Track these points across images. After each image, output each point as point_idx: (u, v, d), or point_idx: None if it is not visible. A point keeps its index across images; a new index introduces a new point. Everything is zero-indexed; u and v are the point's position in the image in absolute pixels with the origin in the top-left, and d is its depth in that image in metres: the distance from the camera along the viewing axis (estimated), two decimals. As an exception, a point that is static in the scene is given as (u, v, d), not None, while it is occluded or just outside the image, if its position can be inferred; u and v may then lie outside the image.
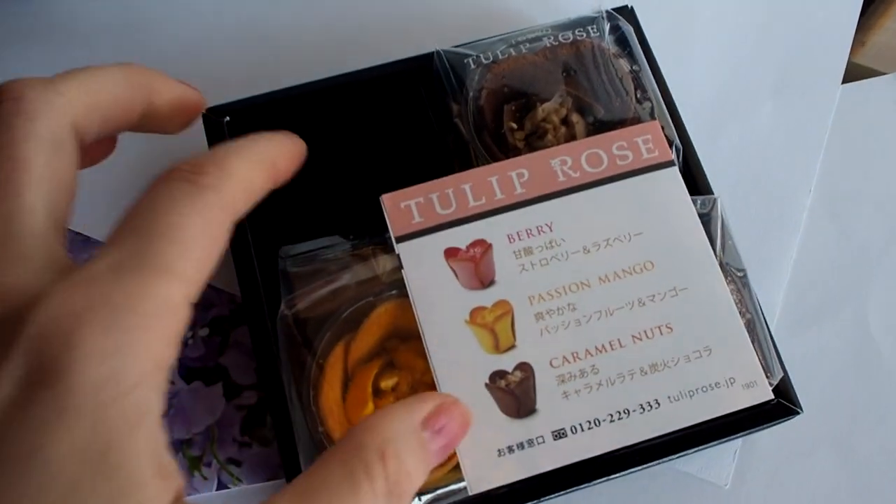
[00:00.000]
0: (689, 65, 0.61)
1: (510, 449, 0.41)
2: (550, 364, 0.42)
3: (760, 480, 0.51)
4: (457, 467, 0.43)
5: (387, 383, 0.44)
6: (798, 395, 0.48)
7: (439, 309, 0.43)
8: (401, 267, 0.44)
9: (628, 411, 0.42)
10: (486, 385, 0.42)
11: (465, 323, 0.43)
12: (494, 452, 0.41)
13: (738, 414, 0.46)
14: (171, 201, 0.28)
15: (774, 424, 0.47)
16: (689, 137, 0.51)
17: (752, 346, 0.43)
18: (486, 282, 0.44)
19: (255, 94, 0.54)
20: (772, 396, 0.43)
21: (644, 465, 0.46)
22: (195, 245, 0.27)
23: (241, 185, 0.31)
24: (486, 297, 0.43)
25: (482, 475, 0.41)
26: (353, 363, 0.45)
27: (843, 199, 0.58)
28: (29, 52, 0.60)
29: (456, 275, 0.43)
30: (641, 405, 0.42)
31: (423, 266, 0.44)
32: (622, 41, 0.52)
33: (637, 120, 0.49)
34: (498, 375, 0.42)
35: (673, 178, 0.46)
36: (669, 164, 0.46)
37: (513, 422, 0.42)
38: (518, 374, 0.42)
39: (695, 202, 0.47)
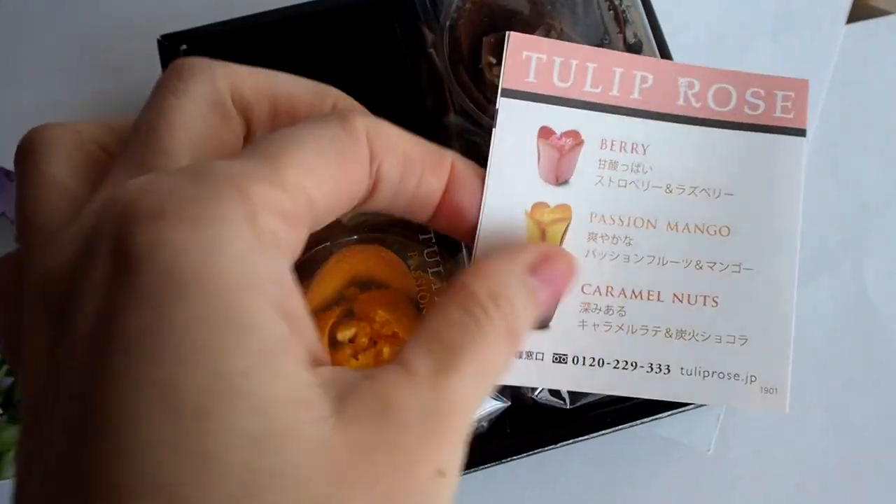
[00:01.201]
0: (684, 2, 0.57)
1: None
2: (582, 289, 0.39)
3: (745, 446, 0.49)
4: None
5: (344, 334, 0.42)
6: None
7: (508, 187, 0.39)
8: (493, 124, 0.40)
9: (636, 364, 0.39)
10: None
11: (524, 213, 0.39)
12: None
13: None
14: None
15: (760, 387, 0.44)
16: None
17: (790, 355, 0.39)
18: (560, 179, 0.40)
19: (215, 22, 0.50)
20: (787, 410, 0.39)
21: (619, 427, 0.44)
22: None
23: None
24: (553, 195, 0.39)
25: None
26: (310, 311, 0.42)
27: (844, 149, 0.55)
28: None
29: (538, 158, 0.40)
30: (652, 365, 0.39)
31: (515, 135, 0.39)
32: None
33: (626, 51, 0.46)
34: None
35: (796, 150, 0.41)
36: (800, 132, 0.41)
37: None
38: None
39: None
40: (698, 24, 0.57)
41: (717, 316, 0.39)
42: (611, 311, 0.39)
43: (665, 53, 0.48)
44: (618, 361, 0.39)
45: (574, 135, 0.40)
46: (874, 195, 0.54)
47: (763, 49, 0.56)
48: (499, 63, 0.46)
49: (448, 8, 0.46)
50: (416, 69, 0.49)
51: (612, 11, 0.46)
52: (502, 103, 0.39)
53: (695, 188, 0.40)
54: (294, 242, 0.26)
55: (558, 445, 0.44)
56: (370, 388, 0.24)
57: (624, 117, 0.40)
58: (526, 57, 0.40)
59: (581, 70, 0.40)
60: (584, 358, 0.38)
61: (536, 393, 0.42)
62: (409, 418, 0.24)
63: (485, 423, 0.42)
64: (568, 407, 0.42)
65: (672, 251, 0.40)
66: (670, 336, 0.39)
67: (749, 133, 0.41)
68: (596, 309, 0.39)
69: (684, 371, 0.39)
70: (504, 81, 0.40)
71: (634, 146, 0.40)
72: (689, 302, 0.39)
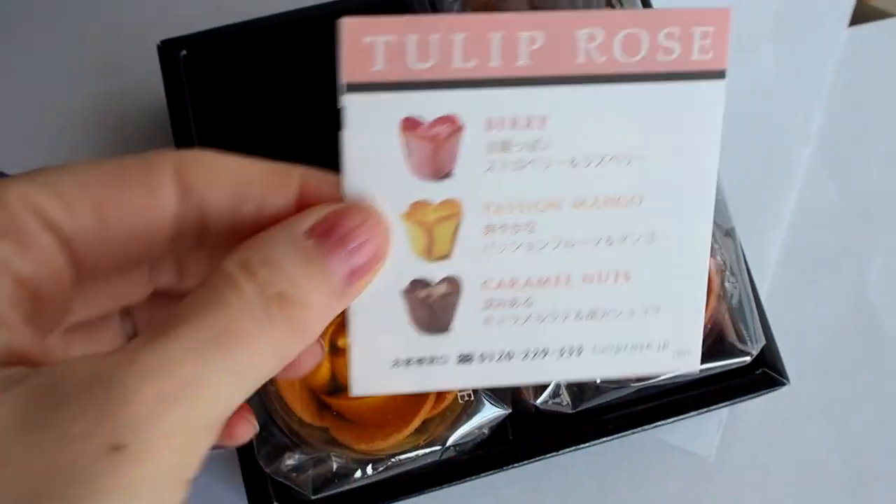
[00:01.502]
0: (685, 2, 0.57)
1: (407, 362, 0.36)
2: (483, 286, 0.36)
3: (747, 452, 0.49)
4: (418, 431, 0.41)
5: (344, 341, 0.42)
6: (789, 361, 0.45)
7: (374, 191, 0.34)
8: (341, 125, 0.34)
9: (546, 352, 0.37)
10: (403, 292, 0.35)
11: (400, 216, 0.34)
12: (389, 361, 0.36)
13: (721, 382, 0.43)
14: None
15: (759, 395, 0.44)
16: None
17: (702, 314, 0.36)
18: (441, 172, 0.35)
19: (215, 27, 0.50)
20: (697, 369, 0.37)
21: (621, 434, 0.44)
22: None
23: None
24: (436, 192, 0.35)
25: (369, 381, 0.35)
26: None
27: (844, 151, 0.55)
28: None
29: (408, 154, 0.35)
30: (563, 349, 0.37)
31: (371, 133, 0.34)
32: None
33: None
34: (419, 285, 0.35)
35: (714, 97, 0.36)
36: (719, 75, 0.36)
37: (420, 335, 0.36)
38: (443, 287, 0.36)
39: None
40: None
41: (629, 290, 0.37)
42: (516, 304, 0.37)
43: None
44: (527, 352, 0.37)
45: (449, 120, 0.34)
46: (875, 197, 0.54)
47: (766, 51, 0.56)
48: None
49: (448, 10, 0.47)
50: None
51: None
52: (347, 100, 0.34)
53: (603, 158, 0.35)
54: (45, 242, 0.25)
55: (560, 452, 0.44)
56: (51, 369, 0.22)
57: (511, 90, 0.35)
58: (368, 42, 0.34)
59: (445, 44, 0.34)
60: (491, 354, 0.37)
61: (539, 399, 0.42)
62: (73, 391, 0.22)
63: (486, 430, 0.42)
64: (570, 412, 0.42)
65: (579, 232, 0.36)
66: (581, 318, 0.37)
67: (662, 84, 0.35)
68: (500, 304, 0.36)
69: (596, 349, 0.37)
70: (345, 73, 0.33)
71: (530, 121, 0.35)
72: (599, 281, 0.37)
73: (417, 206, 0.34)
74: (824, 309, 0.51)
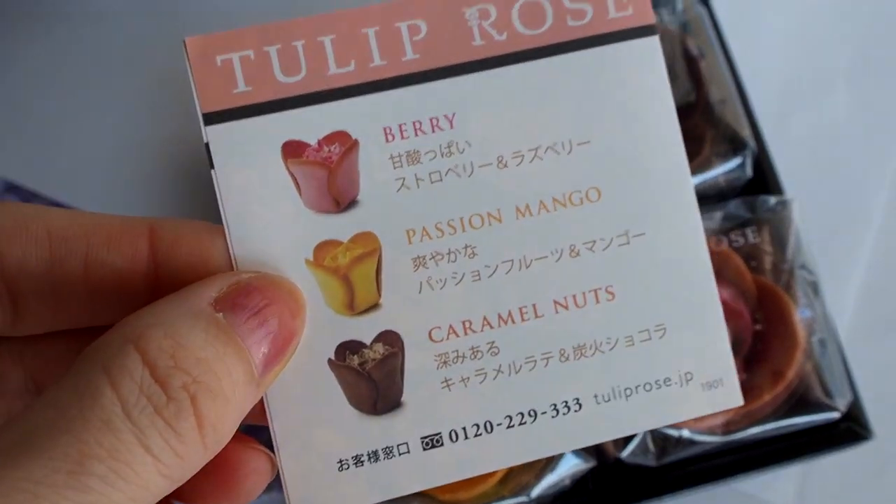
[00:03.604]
0: (758, 47, 0.56)
1: (357, 460, 0.28)
2: (430, 336, 0.29)
3: (826, 502, 0.48)
4: (502, 482, 0.41)
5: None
6: (871, 411, 0.45)
7: (265, 238, 0.28)
8: (210, 164, 0.28)
9: (535, 413, 0.29)
10: (330, 362, 0.28)
11: (305, 263, 0.28)
12: (334, 463, 0.28)
13: (805, 435, 0.43)
14: None
15: (842, 450, 0.44)
16: (763, 138, 0.48)
17: (723, 328, 0.29)
18: (343, 201, 0.29)
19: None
20: (741, 402, 0.30)
21: (703, 486, 0.43)
22: None
23: None
24: (343, 226, 0.29)
25: (312, 496, 0.28)
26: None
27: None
28: (47, 37, 0.58)
29: (297, 186, 0.29)
30: (556, 405, 0.29)
31: (248, 167, 0.28)
32: (696, 24, 0.48)
33: (708, 114, 0.45)
34: (349, 348, 0.28)
35: (649, 57, 0.29)
36: (648, 31, 0.29)
37: (365, 419, 0.28)
38: (380, 348, 0.29)
39: (766, 202, 0.44)
40: (770, 73, 0.57)
41: (618, 310, 0.29)
42: (478, 354, 0.29)
43: (750, 112, 0.48)
44: (510, 417, 0.29)
45: (339, 137, 0.29)
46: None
47: (841, 93, 0.56)
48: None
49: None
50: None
51: (693, 67, 0.46)
52: (210, 133, 0.28)
53: (536, 148, 0.29)
54: None
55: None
56: None
57: (403, 90, 0.29)
58: (223, 62, 0.28)
59: (314, 50, 0.29)
60: (464, 429, 0.29)
61: (623, 452, 0.42)
62: None
63: (567, 481, 0.42)
64: (654, 465, 0.42)
65: (534, 245, 0.29)
66: (567, 358, 0.29)
67: (582, 53, 0.29)
68: (458, 358, 0.29)
69: (600, 398, 0.29)
70: (201, 103, 0.28)
71: (435, 121, 0.29)
72: (576, 305, 0.29)
73: (324, 248, 0.28)
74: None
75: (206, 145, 0.28)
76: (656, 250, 0.29)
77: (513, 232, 0.29)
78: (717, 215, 0.44)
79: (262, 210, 0.28)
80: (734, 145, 0.45)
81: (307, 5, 0.56)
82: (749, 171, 0.46)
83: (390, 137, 0.29)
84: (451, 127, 0.29)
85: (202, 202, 0.54)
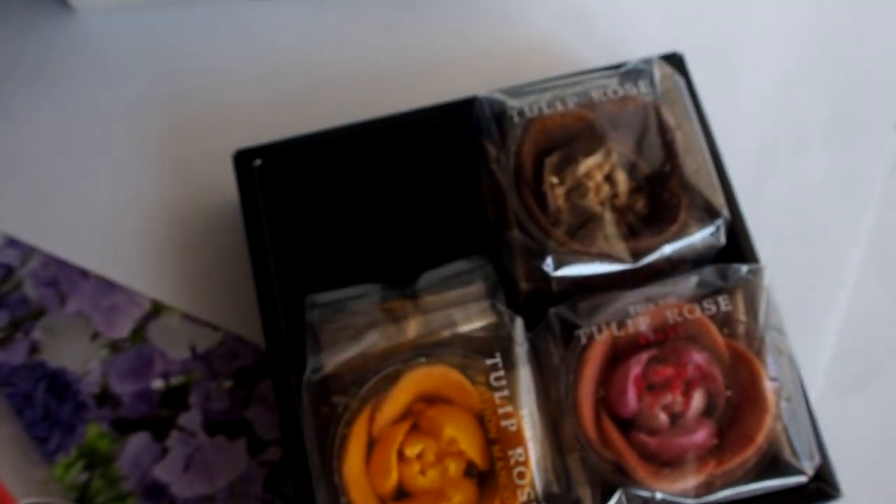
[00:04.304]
0: (735, 111, 0.58)
1: None
2: None
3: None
4: None
5: (412, 450, 0.43)
6: (841, 469, 0.46)
7: None
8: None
9: None
10: None
11: None
12: None
13: (772, 499, 0.44)
14: None
15: (812, 509, 0.45)
16: (738, 205, 0.50)
17: None
18: None
19: (288, 138, 0.52)
20: None
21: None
22: None
23: None
24: None
25: None
26: (378, 428, 0.44)
27: (894, 253, 0.56)
28: (52, 94, 0.60)
29: None
30: None
31: None
32: (672, 94, 0.50)
33: (683, 183, 0.47)
34: None
35: None
36: None
37: None
38: None
39: (738, 270, 0.45)
40: (746, 136, 0.58)
41: None
42: None
43: (724, 180, 0.50)
44: None
45: None
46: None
47: (815, 155, 0.58)
48: (561, 183, 0.48)
49: (514, 131, 0.48)
50: (479, 181, 0.51)
51: (670, 137, 0.48)
52: None
53: None
54: None
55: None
56: None
57: None
58: None
59: None
60: None
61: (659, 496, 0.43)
62: None
63: None
64: None
65: None
66: None
67: None
68: None
69: None
70: None
71: None
72: None
73: None
74: (876, 415, 0.52)
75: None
76: None
77: None
78: (693, 280, 0.46)
79: None
80: (709, 213, 0.47)
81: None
82: (723, 239, 0.47)
83: None
84: None
85: (196, 258, 0.55)
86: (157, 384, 0.53)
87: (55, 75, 0.60)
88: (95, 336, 0.54)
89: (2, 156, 0.58)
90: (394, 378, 0.44)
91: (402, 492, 0.43)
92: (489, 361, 0.44)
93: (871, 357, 0.54)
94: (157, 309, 0.54)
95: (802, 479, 0.43)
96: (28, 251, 0.55)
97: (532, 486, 0.42)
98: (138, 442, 0.52)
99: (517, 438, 0.43)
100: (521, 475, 0.42)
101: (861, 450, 0.51)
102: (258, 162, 0.51)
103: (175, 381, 0.53)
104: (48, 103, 0.59)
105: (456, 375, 0.44)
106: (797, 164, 0.57)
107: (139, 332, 0.54)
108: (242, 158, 0.51)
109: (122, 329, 0.54)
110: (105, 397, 0.53)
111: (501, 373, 0.44)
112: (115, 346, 0.54)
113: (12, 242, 0.56)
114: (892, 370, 0.53)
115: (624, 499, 0.43)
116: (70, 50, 0.60)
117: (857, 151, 0.58)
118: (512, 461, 0.42)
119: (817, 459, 0.44)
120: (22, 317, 0.54)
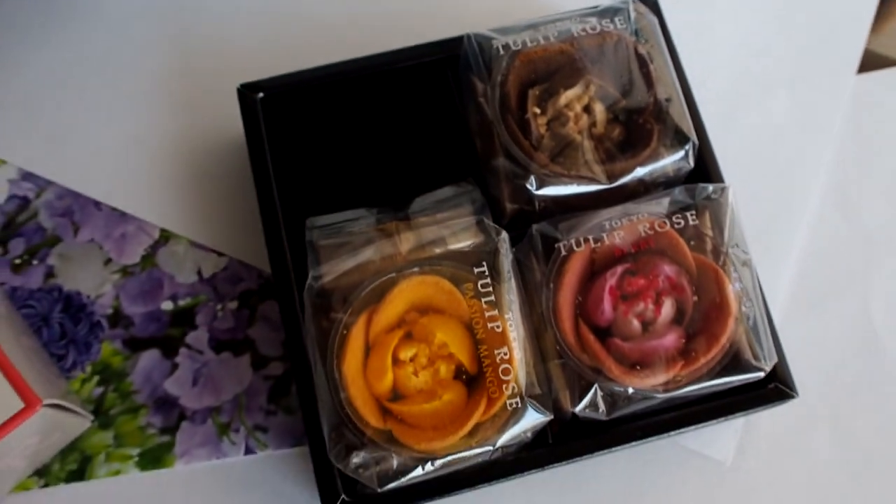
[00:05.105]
0: (708, 53, 0.62)
1: None
2: None
3: (761, 458, 0.54)
4: (470, 434, 0.46)
5: (406, 353, 0.46)
6: (801, 377, 0.50)
7: None
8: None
9: None
10: None
11: None
12: None
13: (737, 395, 0.48)
14: None
15: (771, 407, 0.49)
16: (705, 132, 0.54)
17: None
18: None
19: (289, 73, 0.55)
20: None
21: (648, 439, 0.49)
22: None
23: None
24: None
25: None
26: (374, 334, 0.47)
27: (851, 186, 0.60)
28: (62, 36, 0.63)
29: None
30: None
31: None
32: (647, 31, 0.53)
33: (656, 112, 0.50)
34: None
35: None
36: None
37: None
38: None
39: (705, 189, 0.49)
40: (718, 75, 0.62)
41: None
42: None
43: (693, 109, 0.53)
44: None
45: None
46: (878, 229, 0.59)
47: (780, 96, 0.62)
48: (543, 113, 0.51)
49: (498, 64, 0.52)
50: (467, 116, 0.55)
51: (643, 70, 0.51)
52: None
53: None
54: None
55: (594, 455, 0.48)
56: None
57: None
58: None
59: None
60: None
61: (577, 407, 0.47)
62: None
63: (529, 434, 0.47)
64: (605, 419, 0.47)
65: None
66: None
67: None
68: None
69: None
70: None
71: None
72: None
73: None
74: (832, 330, 0.56)
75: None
76: None
77: None
78: (665, 201, 0.49)
79: None
80: (679, 139, 0.50)
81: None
82: (691, 163, 0.50)
83: None
84: None
85: (201, 189, 0.59)
86: (166, 306, 0.57)
87: (64, 19, 0.63)
88: (108, 262, 0.57)
89: (16, 97, 0.61)
90: (389, 286, 0.47)
91: (397, 393, 0.47)
92: (477, 270, 0.47)
93: (829, 280, 0.58)
94: (165, 236, 0.58)
95: (760, 374, 0.47)
96: (43, 184, 0.59)
97: (516, 381, 0.45)
98: (149, 359, 0.56)
99: (502, 339, 0.46)
100: (506, 371, 0.45)
101: (819, 362, 0.55)
102: (261, 95, 0.55)
103: (183, 302, 0.57)
104: (59, 46, 0.62)
105: (447, 284, 0.47)
106: (764, 103, 0.61)
107: (149, 258, 0.57)
108: (246, 91, 0.55)
109: (133, 255, 0.57)
110: (118, 318, 0.56)
111: (488, 280, 0.47)
112: (126, 271, 0.57)
113: (28, 176, 0.59)
114: (848, 291, 0.57)
115: (599, 393, 0.47)
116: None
117: (820, 93, 0.62)
118: (497, 359, 0.46)
119: (775, 359, 0.47)
120: (37, 244, 0.58)
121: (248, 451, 0.54)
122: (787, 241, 0.58)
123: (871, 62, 0.63)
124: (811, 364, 0.55)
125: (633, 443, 0.49)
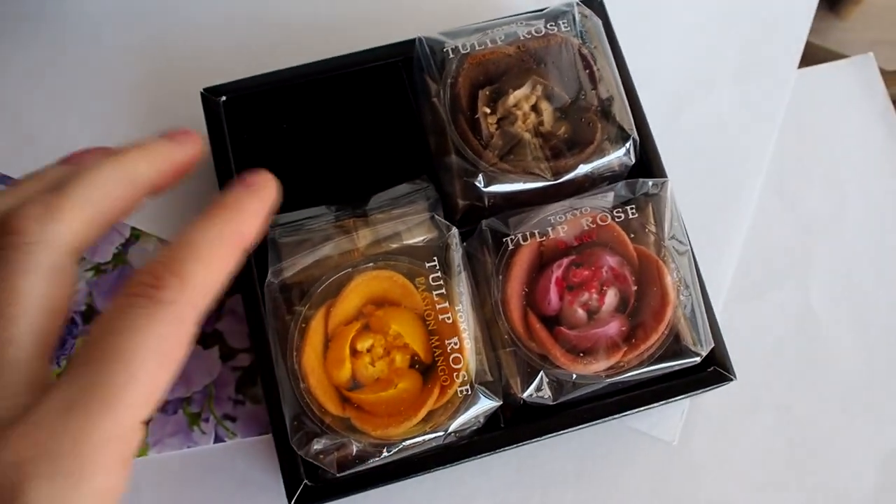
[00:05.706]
0: (654, 52, 0.65)
1: None
2: None
3: (706, 438, 0.56)
4: (424, 420, 0.48)
5: (363, 344, 0.49)
6: (743, 361, 0.53)
7: None
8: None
9: None
10: None
11: None
12: None
13: (680, 378, 0.51)
14: (126, 324, 0.28)
15: (711, 389, 0.52)
16: (647, 128, 0.56)
17: None
18: None
19: (251, 76, 0.57)
20: None
21: (596, 422, 0.51)
22: (147, 368, 0.28)
23: (200, 290, 0.30)
24: None
25: None
26: (332, 326, 0.49)
27: (791, 178, 0.62)
28: (33, 40, 0.64)
29: None
30: None
31: None
32: (592, 33, 0.55)
33: (600, 110, 0.53)
34: None
35: None
36: None
37: None
38: None
39: (645, 184, 0.51)
40: (664, 75, 0.64)
41: None
42: None
43: (636, 107, 0.55)
44: None
45: None
46: (818, 220, 0.61)
47: (724, 92, 0.64)
48: (493, 112, 0.53)
49: (449, 66, 0.54)
50: (422, 115, 0.57)
51: (587, 70, 0.54)
52: None
53: None
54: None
55: (544, 437, 0.51)
56: None
57: None
58: None
59: None
60: None
61: (525, 393, 0.49)
62: None
63: (481, 419, 0.49)
64: (552, 404, 0.49)
65: None
66: None
67: None
68: None
69: None
70: None
71: None
72: None
73: None
74: (774, 315, 0.59)
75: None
76: None
77: None
78: (610, 196, 0.52)
79: None
80: (622, 135, 0.53)
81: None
82: (633, 158, 0.53)
83: None
84: None
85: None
86: (138, 301, 0.58)
87: (35, 22, 0.64)
88: (81, 260, 0.59)
89: (-12, 101, 0.63)
90: (346, 281, 0.49)
91: (355, 383, 0.49)
92: (429, 264, 0.49)
93: (770, 267, 0.60)
94: (136, 235, 0.60)
95: (697, 359, 0.49)
96: (16, 186, 0.60)
97: (467, 370, 0.48)
98: (122, 352, 0.57)
99: (453, 330, 0.48)
100: (457, 360, 0.48)
101: (761, 345, 0.58)
102: (223, 98, 0.57)
103: (153, 298, 0.58)
104: (35, 45, 0.64)
105: (401, 279, 0.49)
106: (709, 99, 0.64)
107: (120, 256, 0.59)
108: (209, 95, 0.57)
109: (105, 254, 0.59)
110: (91, 314, 0.58)
111: (439, 274, 0.49)
112: (99, 269, 0.59)
113: (2, 178, 0.61)
114: (787, 280, 0.60)
115: (545, 379, 0.49)
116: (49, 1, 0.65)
117: (762, 88, 0.64)
118: (449, 349, 0.48)
119: (712, 344, 0.50)
120: (13, 244, 0.59)
121: (218, 439, 0.56)
122: (730, 232, 0.61)
123: (816, 57, 0.65)
124: (753, 348, 0.57)
125: (581, 426, 0.51)
